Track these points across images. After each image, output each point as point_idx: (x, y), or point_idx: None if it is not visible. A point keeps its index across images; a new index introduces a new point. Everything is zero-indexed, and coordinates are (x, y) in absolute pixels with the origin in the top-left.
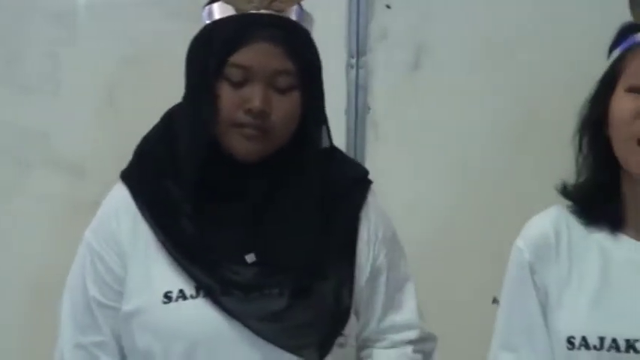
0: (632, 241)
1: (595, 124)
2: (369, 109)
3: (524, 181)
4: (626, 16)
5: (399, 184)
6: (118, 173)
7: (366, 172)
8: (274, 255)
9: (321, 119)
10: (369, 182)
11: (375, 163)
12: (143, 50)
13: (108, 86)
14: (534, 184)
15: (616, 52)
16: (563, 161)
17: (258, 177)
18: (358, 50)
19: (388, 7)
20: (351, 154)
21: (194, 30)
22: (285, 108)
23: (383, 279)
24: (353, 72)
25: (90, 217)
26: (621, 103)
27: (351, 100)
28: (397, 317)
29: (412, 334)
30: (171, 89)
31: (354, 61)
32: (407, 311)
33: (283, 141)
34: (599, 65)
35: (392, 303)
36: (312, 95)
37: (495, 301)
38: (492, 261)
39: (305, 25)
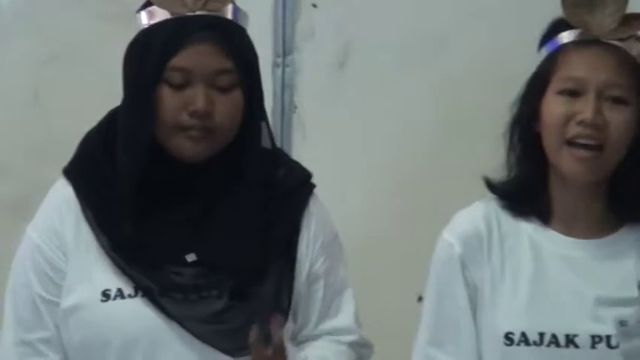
0: (561, 236)
1: (525, 122)
2: (296, 108)
3: (450, 179)
4: (557, 12)
5: (326, 183)
6: (42, 172)
7: (310, 176)
8: (214, 256)
9: (262, 116)
10: (312, 186)
11: (301, 162)
12: (68, 50)
13: (33, 86)
14: (460, 181)
15: (546, 50)
16: (488, 157)
17: (201, 178)
18: (284, 49)
19: (314, 5)
20: None
21: (119, 30)
22: (228, 107)
23: (321, 283)
24: (279, 71)
25: (13, 215)
26: (553, 106)
27: (277, 99)
28: (335, 322)
29: (350, 338)
30: (97, 89)
31: (280, 60)
32: (345, 317)
33: (229, 139)
34: (526, 62)
35: (329, 308)
36: (253, 92)
37: (421, 299)
38: (418, 259)
39: (241, 22)
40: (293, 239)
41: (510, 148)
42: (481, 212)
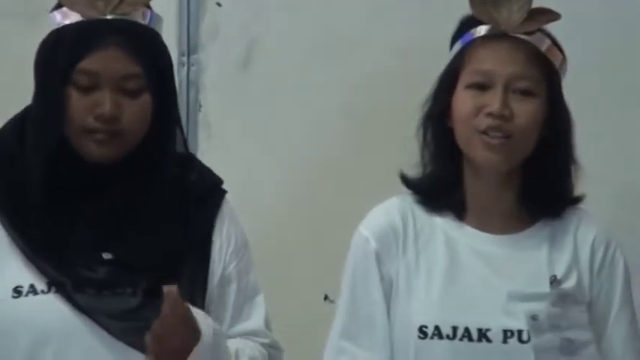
0: (475, 231)
1: (438, 118)
2: (201, 106)
3: (355, 178)
4: (461, 10)
5: (231, 182)
6: None
7: (221, 182)
8: (129, 255)
9: (174, 120)
10: (224, 191)
11: (206, 161)
12: None
13: None
14: (366, 180)
15: (457, 46)
16: (394, 156)
17: (113, 178)
18: (189, 48)
19: (219, 4)
20: None
21: (26, 29)
22: (135, 111)
23: (233, 288)
24: (184, 70)
25: None
26: (462, 100)
27: (183, 98)
28: (246, 325)
29: (261, 341)
30: (3, 87)
31: (185, 59)
32: (256, 321)
33: (135, 143)
34: (430, 61)
35: (241, 313)
36: (163, 97)
37: (327, 298)
38: (326, 258)
39: (154, 27)
40: (206, 242)
41: (424, 144)
42: (396, 207)
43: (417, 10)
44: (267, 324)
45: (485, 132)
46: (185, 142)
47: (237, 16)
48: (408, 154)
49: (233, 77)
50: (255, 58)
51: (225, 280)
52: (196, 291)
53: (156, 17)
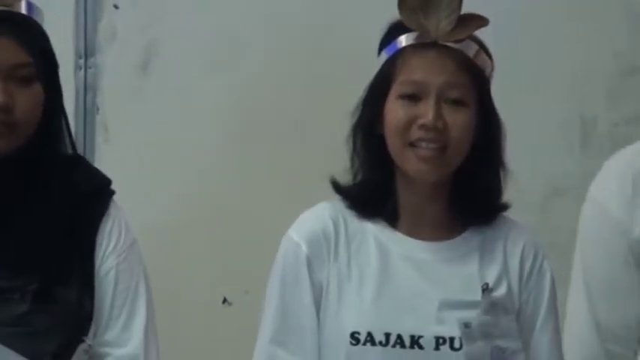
0: (407, 238)
1: (368, 126)
2: (98, 109)
3: (254, 181)
4: (366, 14)
5: (129, 185)
6: None
7: (109, 182)
8: (16, 259)
9: (61, 117)
10: (112, 192)
11: (104, 165)
12: None
13: None
14: (264, 183)
15: (386, 53)
16: (291, 159)
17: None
18: (86, 51)
19: (116, 7)
20: None
21: None
22: (27, 101)
23: (111, 288)
24: (81, 73)
25: None
26: (394, 111)
27: (80, 101)
28: (120, 352)
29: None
30: None
31: (82, 61)
32: (132, 346)
33: (29, 133)
34: (331, 64)
35: (119, 315)
36: (52, 88)
37: (225, 301)
38: (224, 261)
39: (36, 18)
40: (91, 242)
41: (354, 152)
42: (328, 212)
43: (314, 14)
44: (146, 333)
45: (418, 143)
46: (72, 142)
47: (135, 19)
48: (310, 157)
49: (131, 80)
50: (153, 60)
51: (106, 281)
52: (85, 294)
53: (36, 9)
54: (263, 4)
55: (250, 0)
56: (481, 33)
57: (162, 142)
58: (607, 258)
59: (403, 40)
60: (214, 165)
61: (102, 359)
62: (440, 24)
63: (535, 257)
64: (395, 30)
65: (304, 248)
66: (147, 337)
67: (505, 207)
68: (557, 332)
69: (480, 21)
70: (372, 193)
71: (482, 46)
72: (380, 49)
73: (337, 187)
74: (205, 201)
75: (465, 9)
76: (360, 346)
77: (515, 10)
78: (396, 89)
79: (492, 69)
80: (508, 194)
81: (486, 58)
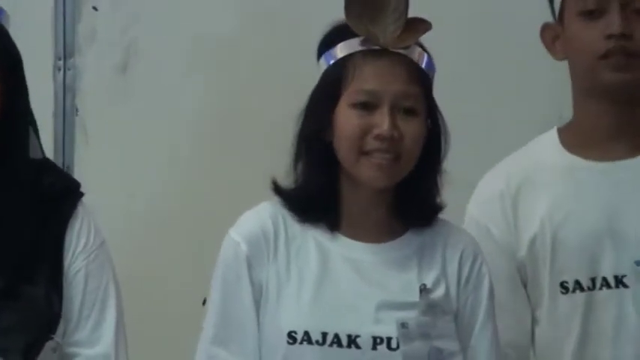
0: (348, 239)
1: (315, 133)
2: (77, 111)
3: (236, 183)
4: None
5: (109, 187)
6: None
7: (79, 185)
8: None
9: (27, 114)
10: (81, 194)
11: (84, 166)
12: None
13: None
14: (246, 185)
15: (328, 59)
16: (273, 162)
17: None
18: (65, 52)
19: (95, 8)
20: (59, 159)
21: None
22: None
23: (80, 289)
24: (60, 74)
25: None
26: (347, 119)
27: (59, 102)
28: (89, 353)
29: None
30: None
31: (61, 63)
32: (103, 345)
33: None
34: (312, 66)
35: (89, 315)
36: (16, 88)
37: (205, 302)
38: (203, 262)
39: (2, 22)
40: (59, 243)
41: (298, 157)
42: (268, 212)
43: (295, 16)
44: (117, 333)
45: (372, 153)
46: (41, 146)
47: (115, 20)
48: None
49: (111, 82)
50: (132, 62)
51: (73, 281)
52: (53, 292)
53: (4, 14)
54: (243, 6)
55: (230, 1)
56: (462, 34)
57: (142, 143)
58: (496, 279)
59: (351, 46)
60: (194, 166)
61: (72, 359)
62: (387, 29)
63: (473, 262)
64: (337, 34)
65: (244, 248)
66: (117, 337)
67: (441, 207)
68: (495, 335)
69: (425, 25)
70: (315, 198)
71: (426, 51)
72: (320, 53)
73: (278, 190)
74: (185, 202)
75: (447, 8)
76: (297, 345)
77: (496, 11)
78: (347, 97)
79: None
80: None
81: (431, 62)
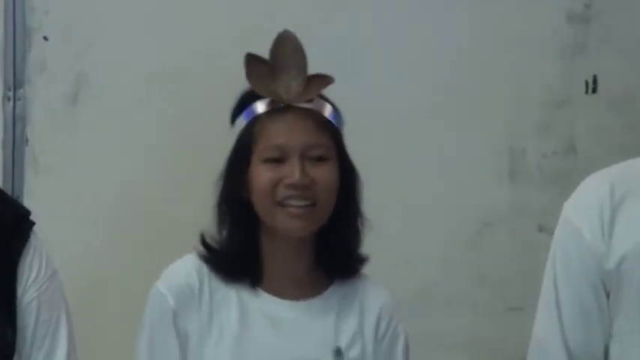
0: (270, 296)
1: (233, 193)
2: (28, 141)
3: (188, 211)
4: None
5: (60, 218)
6: None
7: (28, 213)
8: None
9: None
10: (32, 223)
11: (34, 197)
12: None
13: None
14: (199, 215)
15: (241, 122)
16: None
17: None
18: (15, 82)
19: (45, 38)
20: (9, 189)
21: None
22: None
23: (33, 319)
24: (10, 104)
25: None
26: (260, 174)
27: (9, 133)
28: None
29: None
30: None
31: (11, 93)
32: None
33: None
34: None
35: (40, 346)
36: None
37: None
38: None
39: None
40: (11, 273)
41: (220, 215)
42: (193, 264)
43: (248, 48)
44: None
45: (287, 202)
46: None
47: (65, 50)
48: None
49: (61, 112)
50: (83, 92)
51: (26, 312)
52: (6, 324)
53: None
54: (195, 40)
55: (184, 32)
56: (414, 66)
57: (93, 174)
58: (580, 282)
59: (258, 108)
60: (147, 198)
61: None
62: (290, 87)
63: (390, 320)
64: (247, 98)
65: (170, 300)
66: None
67: (364, 259)
68: None
69: (327, 79)
70: (236, 257)
71: (332, 103)
72: (233, 118)
73: (205, 245)
74: (139, 234)
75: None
76: None
77: (448, 41)
78: (258, 155)
79: (342, 122)
80: (438, 227)
81: (337, 113)
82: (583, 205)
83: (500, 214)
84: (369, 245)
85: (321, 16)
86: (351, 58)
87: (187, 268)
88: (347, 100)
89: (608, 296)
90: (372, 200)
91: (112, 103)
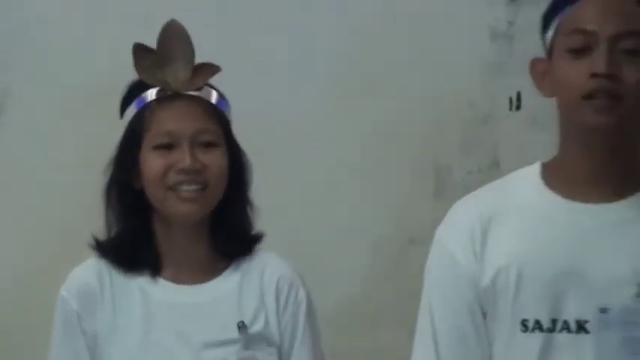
0: (170, 284)
1: (124, 181)
2: None
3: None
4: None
5: None
6: None
7: None
8: None
9: None
10: None
11: None
12: None
13: None
14: None
15: (131, 110)
16: None
17: None
18: None
19: None
20: None
21: None
22: None
23: None
24: None
25: None
26: (151, 161)
27: None
28: None
29: None
30: None
31: None
32: None
33: None
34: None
35: None
36: None
37: None
38: None
39: None
40: None
41: (109, 207)
42: (92, 267)
43: None
44: None
45: (178, 187)
46: None
47: None
48: None
49: None
50: (8, 106)
51: None
52: None
53: None
54: (118, 53)
55: (111, 47)
56: (340, 80)
57: (20, 189)
58: (456, 306)
59: (148, 96)
60: (71, 212)
61: None
62: (178, 76)
63: (290, 289)
64: (136, 88)
65: (73, 304)
66: None
67: (259, 237)
68: (314, 353)
69: (214, 68)
70: (131, 245)
71: (219, 92)
72: (122, 109)
73: (97, 246)
74: (63, 246)
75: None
76: None
77: (371, 58)
78: (148, 142)
79: (230, 111)
80: (364, 243)
81: (225, 102)
82: (455, 230)
83: (426, 231)
84: (295, 259)
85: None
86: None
87: (87, 270)
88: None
89: (485, 316)
90: (297, 214)
91: (35, 116)
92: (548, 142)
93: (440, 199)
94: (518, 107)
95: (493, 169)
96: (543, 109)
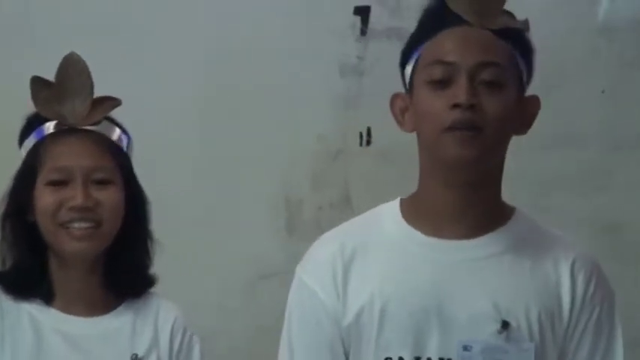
0: (61, 314)
1: (18, 214)
2: None
3: None
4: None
5: None
6: None
7: None
8: None
9: None
10: None
11: None
12: None
13: None
14: None
15: (29, 143)
16: None
17: None
18: None
19: None
20: None
21: None
22: None
23: None
24: None
25: None
26: (44, 197)
27: None
28: None
29: None
30: None
31: None
32: None
33: None
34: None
35: None
36: None
37: None
38: None
39: None
40: None
41: (3, 239)
42: None
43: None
44: None
45: (70, 224)
46: None
47: None
48: None
49: None
50: None
51: None
52: None
53: None
54: None
55: None
56: (186, 115)
57: None
58: (317, 344)
59: (44, 129)
60: None
61: None
62: (75, 109)
63: (184, 334)
64: (32, 122)
65: None
66: None
67: (153, 281)
68: None
69: (114, 101)
70: (24, 277)
71: (120, 126)
72: (21, 140)
73: None
74: None
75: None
76: None
77: (226, 92)
78: (43, 177)
79: (131, 144)
80: (213, 277)
81: (127, 136)
82: (316, 267)
83: (277, 267)
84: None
85: None
86: None
87: None
88: None
89: (347, 355)
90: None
91: None
92: (398, 177)
93: (291, 235)
94: (368, 142)
95: (344, 205)
96: (393, 143)
